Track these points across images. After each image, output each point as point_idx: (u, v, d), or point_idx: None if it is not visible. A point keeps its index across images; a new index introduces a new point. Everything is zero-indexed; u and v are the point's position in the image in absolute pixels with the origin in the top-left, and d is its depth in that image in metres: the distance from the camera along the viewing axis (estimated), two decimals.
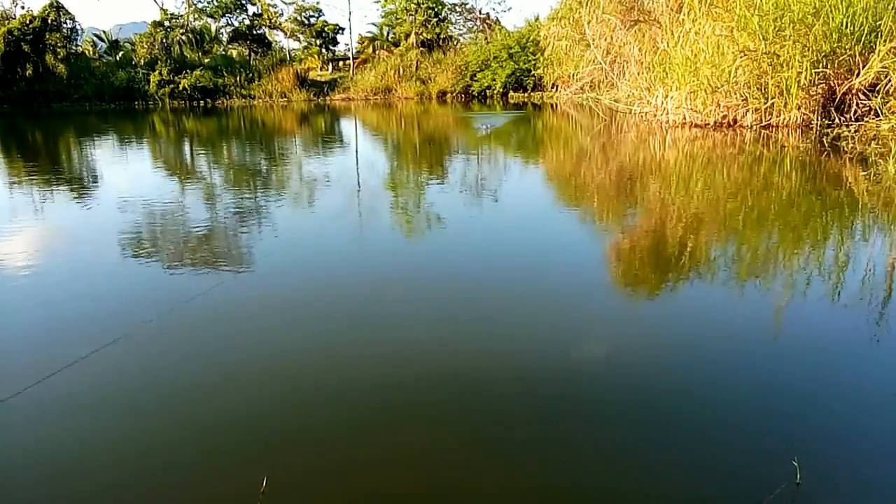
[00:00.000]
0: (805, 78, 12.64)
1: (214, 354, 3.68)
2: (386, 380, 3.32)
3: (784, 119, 13.15)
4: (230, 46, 38.06)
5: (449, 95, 33.24)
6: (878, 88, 12.52)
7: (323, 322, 4.16)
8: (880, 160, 9.61)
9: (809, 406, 3.04)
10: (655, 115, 15.65)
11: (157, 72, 32.21)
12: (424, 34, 35.93)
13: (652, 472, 2.55)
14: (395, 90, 34.32)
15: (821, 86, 12.98)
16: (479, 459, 2.67)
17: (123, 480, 2.54)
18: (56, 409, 3.09)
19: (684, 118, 14.63)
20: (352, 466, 2.62)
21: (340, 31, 39.13)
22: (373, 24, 48.57)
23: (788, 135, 12.58)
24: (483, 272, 5.16)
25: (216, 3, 35.83)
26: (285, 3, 38.09)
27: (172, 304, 4.52)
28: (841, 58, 12.76)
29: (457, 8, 38.09)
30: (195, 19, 36.16)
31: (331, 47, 40.23)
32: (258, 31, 37.42)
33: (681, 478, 2.52)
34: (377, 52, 38.85)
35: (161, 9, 35.01)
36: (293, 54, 39.69)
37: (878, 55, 12.29)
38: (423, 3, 35.48)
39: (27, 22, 30.67)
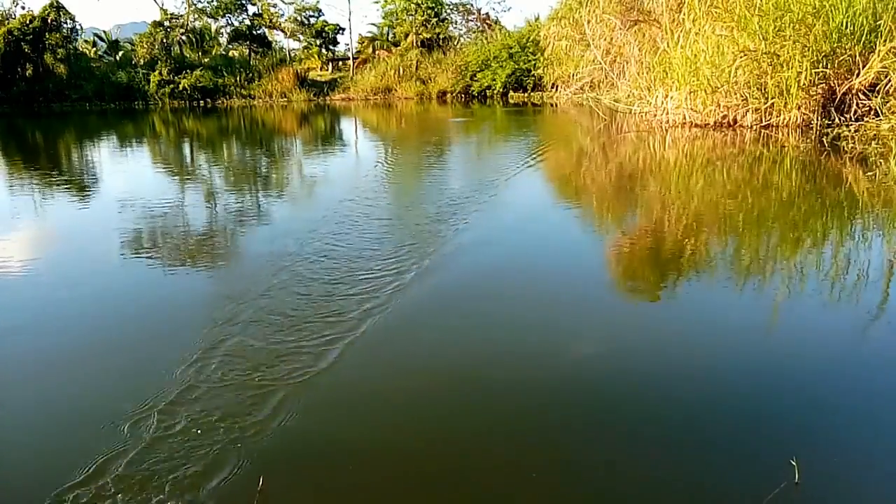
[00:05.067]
0: (805, 78, 12.63)
1: (214, 354, 3.68)
2: (393, 382, 3.33)
3: (784, 119, 13.13)
4: (230, 46, 38.02)
5: (449, 95, 33.22)
6: (878, 88, 12.51)
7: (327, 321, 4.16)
8: (880, 160, 9.61)
9: (809, 406, 3.04)
10: (655, 115, 15.63)
11: (157, 72, 32.19)
12: (424, 34, 35.91)
13: (653, 473, 2.55)
14: (395, 90, 34.29)
15: (821, 86, 12.97)
16: (475, 456, 2.67)
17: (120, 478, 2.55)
18: (56, 411, 3.10)
19: (684, 118, 14.62)
20: (351, 467, 2.63)
21: (340, 31, 39.09)
22: (373, 24, 48.55)
23: (788, 135, 12.58)
24: (492, 275, 5.15)
25: (216, 3, 35.78)
26: (285, 3, 38.09)
27: (173, 303, 4.53)
28: (841, 58, 12.75)
29: (457, 8, 38.06)
30: (195, 19, 36.12)
31: (331, 47, 40.18)
32: (258, 31, 37.37)
33: (682, 478, 2.52)
34: (377, 52, 38.78)
35: (161, 9, 34.99)
36: (293, 54, 39.67)
37: (878, 55, 12.28)
38: (423, 3, 35.45)
39: (27, 22, 30.63)
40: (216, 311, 4.17)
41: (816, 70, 12.64)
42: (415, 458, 2.68)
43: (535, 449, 2.74)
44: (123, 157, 14.78)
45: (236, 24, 37.02)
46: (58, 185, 10.16)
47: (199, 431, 2.82)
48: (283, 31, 38.70)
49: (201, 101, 32.46)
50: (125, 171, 12.28)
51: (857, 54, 12.62)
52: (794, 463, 2.45)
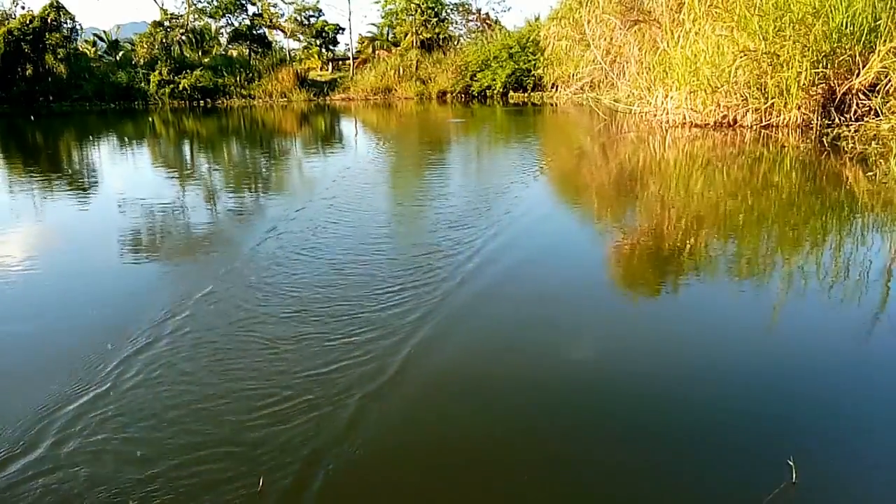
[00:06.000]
0: (805, 78, 12.62)
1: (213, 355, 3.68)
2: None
3: (784, 119, 13.13)
4: (230, 46, 37.98)
5: (449, 95, 33.21)
6: (878, 88, 12.50)
7: (329, 321, 4.16)
8: (880, 160, 9.60)
9: (810, 406, 3.04)
10: (655, 115, 15.63)
11: (157, 72, 32.16)
12: (424, 34, 35.88)
13: (653, 472, 2.55)
14: (395, 90, 34.28)
15: (821, 86, 12.96)
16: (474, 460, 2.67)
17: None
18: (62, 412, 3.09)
19: (684, 118, 14.61)
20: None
21: (340, 31, 39.05)
22: (373, 24, 48.50)
23: (788, 135, 12.57)
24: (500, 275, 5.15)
25: (216, 3, 35.76)
26: (285, 3, 38.07)
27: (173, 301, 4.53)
28: (841, 58, 12.75)
29: (457, 8, 38.03)
30: (195, 19, 36.10)
31: (331, 47, 40.15)
32: (258, 31, 37.33)
33: (682, 478, 2.52)
34: (377, 52, 38.77)
35: (161, 9, 34.97)
36: (293, 54, 39.63)
37: (878, 55, 12.28)
38: (423, 4, 35.42)
39: (27, 22, 30.60)
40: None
41: (816, 70, 12.64)
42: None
43: (534, 449, 2.74)
44: (122, 156, 14.77)
45: (236, 24, 36.99)
46: (57, 184, 10.16)
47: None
48: (283, 30, 38.68)
49: (201, 101, 32.44)
50: (123, 170, 12.29)
51: (857, 54, 12.62)
52: (791, 463, 2.45)
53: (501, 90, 32.20)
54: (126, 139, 18.53)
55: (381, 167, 12.08)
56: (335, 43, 40.08)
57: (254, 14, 36.97)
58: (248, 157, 14.55)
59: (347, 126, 22.69)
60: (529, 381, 3.30)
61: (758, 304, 4.32)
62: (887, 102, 12.33)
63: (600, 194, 8.77)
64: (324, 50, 39.93)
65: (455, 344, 3.73)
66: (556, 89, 27.38)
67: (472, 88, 32.96)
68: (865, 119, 12.53)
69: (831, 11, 12.58)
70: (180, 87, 32.00)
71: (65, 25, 31.75)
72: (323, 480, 2.51)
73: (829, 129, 12.38)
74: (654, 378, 3.31)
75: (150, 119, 24.96)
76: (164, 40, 33.78)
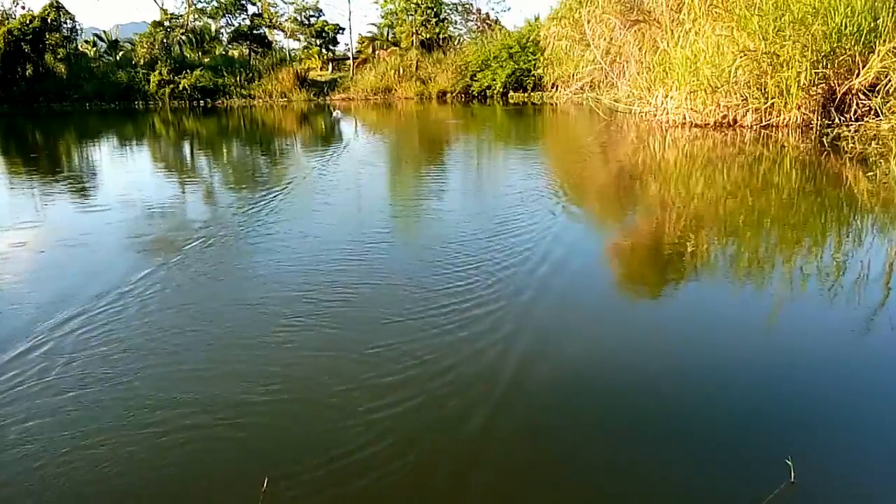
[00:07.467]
0: (805, 78, 12.63)
1: (213, 353, 3.69)
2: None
3: (784, 119, 13.13)
4: (230, 46, 37.98)
5: (449, 95, 33.19)
6: (878, 88, 12.50)
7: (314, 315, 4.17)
8: (880, 160, 9.61)
9: (810, 405, 3.05)
10: (655, 115, 15.64)
11: (157, 72, 32.16)
12: (424, 34, 35.87)
13: (652, 473, 2.56)
14: (395, 90, 34.27)
15: (821, 86, 12.97)
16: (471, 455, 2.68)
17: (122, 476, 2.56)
18: (54, 405, 3.10)
19: (684, 118, 14.62)
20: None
21: (340, 31, 39.05)
22: (373, 24, 48.45)
23: (788, 135, 12.58)
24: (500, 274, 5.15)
25: (216, 3, 35.76)
26: (285, 3, 38.08)
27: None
28: (841, 58, 12.75)
29: (457, 8, 38.04)
30: (195, 19, 36.09)
31: (331, 47, 40.14)
32: (258, 31, 37.32)
33: (682, 478, 2.53)
34: (377, 52, 38.76)
35: (161, 9, 34.97)
36: (293, 54, 39.61)
37: (878, 55, 12.28)
38: (422, 3, 35.42)
39: (27, 22, 30.59)
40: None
41: (816, 70, 12.64)
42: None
43: (534, 449, 2.74)
44: (121, 155, 14.78)
45: (236, 24, 36.99)
46: (61, 184, 10.17)
47: None
48: (283, 30, 38.69)
49: (201, 101, 32.43)
50: (121, 168, 12.30)
51: (857, 54, 12.62)
52: (789, 462, 2.46)
53: (501, 90, 32.20)
54: (126, 139, 18.53)
55: (379, 171, 12.09)
56: (335, 43, 40.11)
57: (254, 14, 36.97)
58: (249, 157, 14.56)
59: (347, 126, 22.69)
60: (521, 380, 3.31)
61: (758, 303, 4.32)
62: (887, 102, 12.34)
63: (606, 194, 8.78)
64: (324, 50, 39.92)
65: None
66: (556, 89, 27.39)
67: (472, 88, 32.96)
68: (865, 119, 12.54)
69: (831, 11, 12.58)
70: (180, 87, 32.00)
71: (65, 25, 31.75)
72: None
73: (829, 129, 12.39)
74: (653, 377, 3.31)
75: (150, 119, 24.97)
76: (164, 40, 33.76)
